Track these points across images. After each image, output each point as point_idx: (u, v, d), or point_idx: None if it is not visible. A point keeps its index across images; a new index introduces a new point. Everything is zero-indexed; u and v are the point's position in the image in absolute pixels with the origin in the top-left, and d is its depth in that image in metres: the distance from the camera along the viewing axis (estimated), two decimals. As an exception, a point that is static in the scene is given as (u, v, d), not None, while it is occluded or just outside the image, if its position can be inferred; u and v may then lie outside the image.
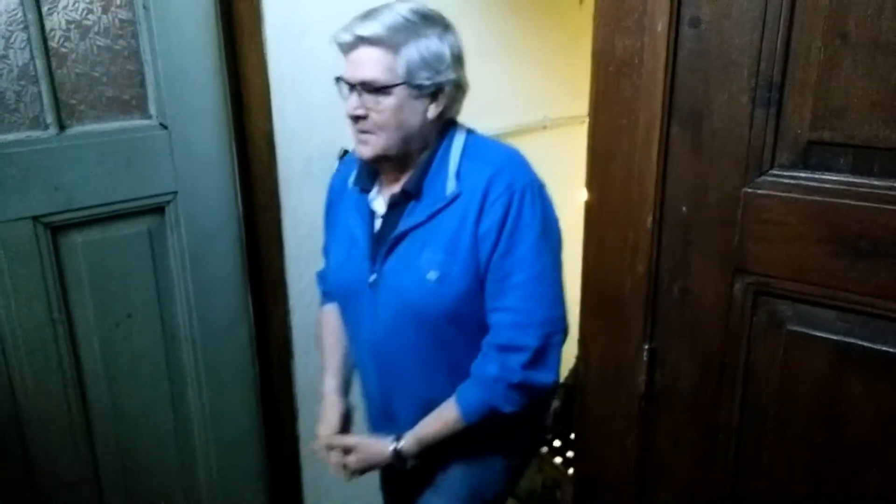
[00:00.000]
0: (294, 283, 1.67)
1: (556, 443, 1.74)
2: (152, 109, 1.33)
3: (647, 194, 0.93)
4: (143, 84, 1.31)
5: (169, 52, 1.31)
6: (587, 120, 0.98)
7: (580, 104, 2.61)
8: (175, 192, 1.37)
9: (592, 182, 0.99)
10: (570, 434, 1.77)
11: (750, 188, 0.86)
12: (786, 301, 0.87)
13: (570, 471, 1.60)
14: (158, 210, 1.37)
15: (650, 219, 0.94)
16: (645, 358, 0.99)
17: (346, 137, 1.74)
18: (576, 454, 1.11)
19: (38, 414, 1.28)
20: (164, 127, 1.33)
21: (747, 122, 0.85)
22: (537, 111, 2.50)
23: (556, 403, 1.83)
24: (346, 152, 1.73)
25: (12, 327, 1.21)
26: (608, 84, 0.93)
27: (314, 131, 1.65)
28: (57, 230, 1.24)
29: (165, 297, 1.41)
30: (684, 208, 0.92)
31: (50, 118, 1.21)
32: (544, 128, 2.52)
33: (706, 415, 0.97)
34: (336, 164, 1.73)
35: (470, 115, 2.19)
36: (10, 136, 1.17)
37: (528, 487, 1.75)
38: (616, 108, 0.93)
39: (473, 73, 2.18)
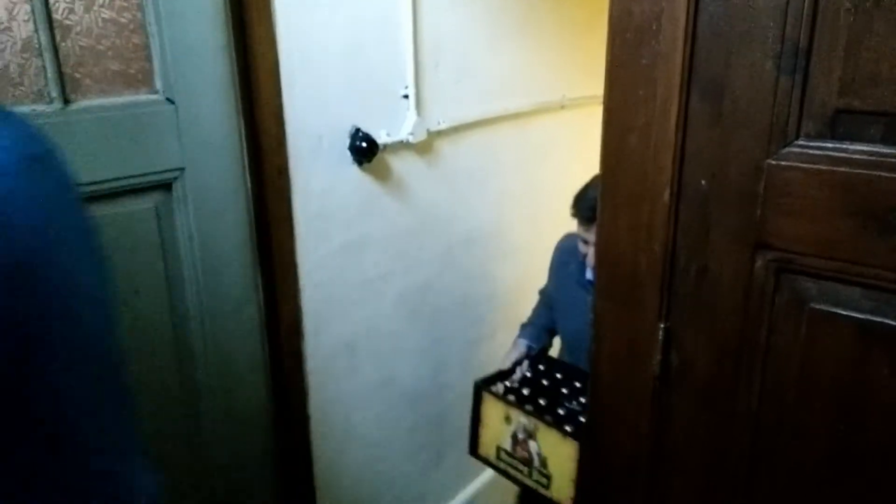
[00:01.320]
0: (304, 262, 1.65)
1: (525, 391, 1.71)
2: (158, 84, 1.30)
3: (664, 168, 0.90)
4: (149, 58, 1.29)
5: (175, 25, 1.28)
6: (602, 123, 0.95)
7: (598, 84, 2.56)
8: (182, 169, 1.35)
9: (607, 156, 0.95)
10: (541, 380, 1.77)
11: (773, 160, 0.82)
12: (809, 278, 0.83)
13: (547, 418, 1.58)
14: (165, 186, 1.35)
15: (667, 193, 0.90)
16: (660, 338, 0.96)
17: (359, 113, 1.72)
18: (586, 437, 1.08)
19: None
20: (171, 102, 1.31)
21: (771, 90, 0.81)
22: (555, 91, 2.45)
23: (525, 366, 1.85)
24: (357, 131, 1.70)
25: (19, 303, 1.20)
26: (625, 52, 0.89)
27: (325, 107, 1.63)
28: (63, 206, 1.22)
29: (173, 275, 1.39)
30: (703, 182, 0.88)
31: (55, 92, 1.19)
32: (562, 108, 2.48)
33: (723, 397, 0.94)
34: (347, 141, 1.70)
35: (487, 96, 2.16)
36: (15, 110, 1.15)
37: (495, 440, 1.71)
38: (633, 78, 0.89)
39: (490, 53, 2.15)
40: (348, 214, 1.76)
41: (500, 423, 1.68)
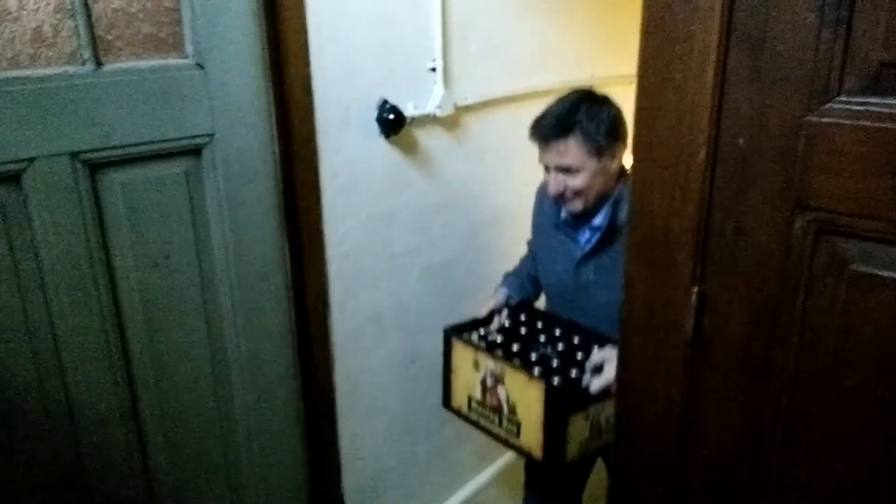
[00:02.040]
0: (331, 232, 1.66)
1: (499, 338, 1.66)
2: (189, 48, 1.30)
3: (700, 126, 0.87)
4: (179, 22, 1.29)
5: (205, -10, 1.29)
6: (636, 80, 0.93)
7: (629, 64, 2.52)
8: (212, 135, 1.35)
9: (641, 116, 0.93)
10: (519, 329, 1.72)
11: (815, 116, 0.80)
12: (850, 239, 0.81)
13: (514, 361, 1.53)
14: (195, 152, 1.35)
15: (703, 153, 0.88)
16: (693, 302, 0.94)
17: (386, 84, 1.71)
18: (616, 405, 1.07)
19: (79, 351, 1.29)
20: (201, 67, 1.31)
21: (813, 43, 0.78)
22: (584, 69, 2.42)
23: (504, 315, 1.78)
24: (385, 102, 1.70)
25: (52, 263, 1.22)
26: (660, 7, 0.87)
27: (353, 77, 1.62)
28: (95, 168, 1.24)
29: (202, 240, 1.40)
30: (741, 140, 0.86)
31: (87, 54, 1.19)
32: (591, 87, 2.44)
33: (758, 364, 0.92)
34: (375, 112, 1.70)
35: (515, 71, 2.13)
36: (48, 71, 1.16)
37: (466, 389, 1.66)
38: (669, 32, 0.87)
39: (519, 28, 2.12)
40: (375, 187, 1.76)
41: (470, 371, 1.61)
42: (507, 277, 1.92)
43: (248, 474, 1.60)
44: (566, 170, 1.58)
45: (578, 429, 1.50)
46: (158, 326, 1.39)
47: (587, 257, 1.65)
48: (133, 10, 1.24)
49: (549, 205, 1.72)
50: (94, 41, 1.20)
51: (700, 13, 0.84)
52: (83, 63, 1.20)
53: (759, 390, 0.92)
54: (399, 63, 1.74)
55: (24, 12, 1.12)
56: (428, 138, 1.88)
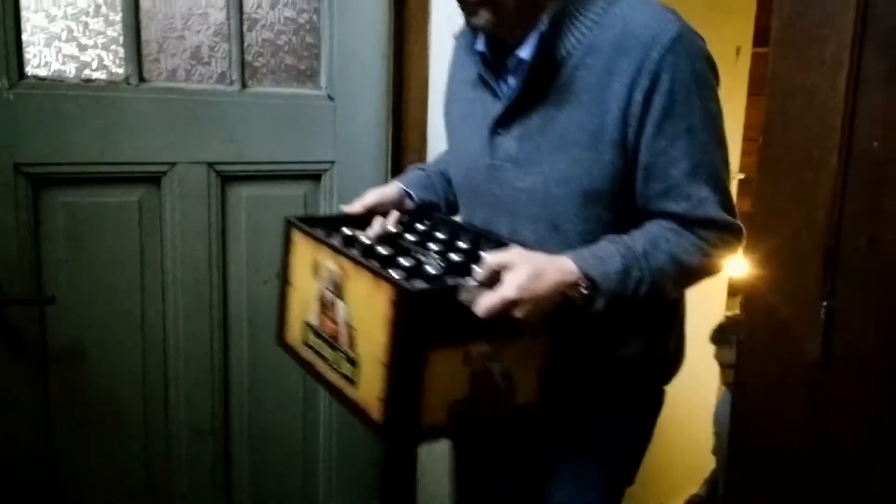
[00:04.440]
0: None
1: (379, 248, 0.98)
2: (323, 81, 1.42)
3: (832, 129, 0.86)
4: (318, 57, 1.41)
5: (344, 31, 1.41)
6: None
7: (731, 159, 2.53)
8: (333, 162, 1.44)
9: (769, 122, 0.93)
10: (411, 237, 1.08)
11: (958, 115, 0.78)
12: None
13: (368, 261, 0.92)
14: (316, 177, 1.44)
15: (835, 158, 0.87)
16: (822, 318, 0.89)
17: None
18: (732, 432, 1.00)
19: (185, 354, 1.33)
20: (332, 99, 1.42)
21: (956, 42, 0.78)
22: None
23: (393, 218, 1.11)
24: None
25: (174, 262, 1.29)
26: (792, 13, 0.89)
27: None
28: (227, 179, 1.33)
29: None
30: (876, 144, 0.84)
31: (235, 75, 1.31)
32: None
33: (894, 388, 0.85)
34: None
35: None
36: (200, 87, 1.29)
37: (302, 312, 1.05)
38: (800, 35, 0.88)
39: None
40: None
41: (308, 281, 1.02)
42: (410, 171, 1.27)
43: (324, 499, 1.56)
44: None
45: (446, 377, 0.89)
46: (259, 345, 1.42)
47: (509, 116, 1.03)
48: (280, 42, 1.36)
49: (465, 50, 1.15)
50: (242, 64, 1.32)
51: (832, 16, 0.85)
52: (231, 83, 1.32)
53: (894, 419, 0.85)
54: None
55: (188, 32, 1.26)
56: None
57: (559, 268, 0.89)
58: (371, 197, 1.11)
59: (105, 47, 1.22)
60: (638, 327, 1.04)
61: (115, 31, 1.21)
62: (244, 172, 1.34)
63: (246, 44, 1.32)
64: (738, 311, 1.79)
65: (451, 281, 0.90)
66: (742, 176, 2.57)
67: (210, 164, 1.30)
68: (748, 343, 0.97)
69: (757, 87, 2.51)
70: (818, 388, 0.91)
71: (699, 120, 0.93)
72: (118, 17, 1.21)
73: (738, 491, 1.00)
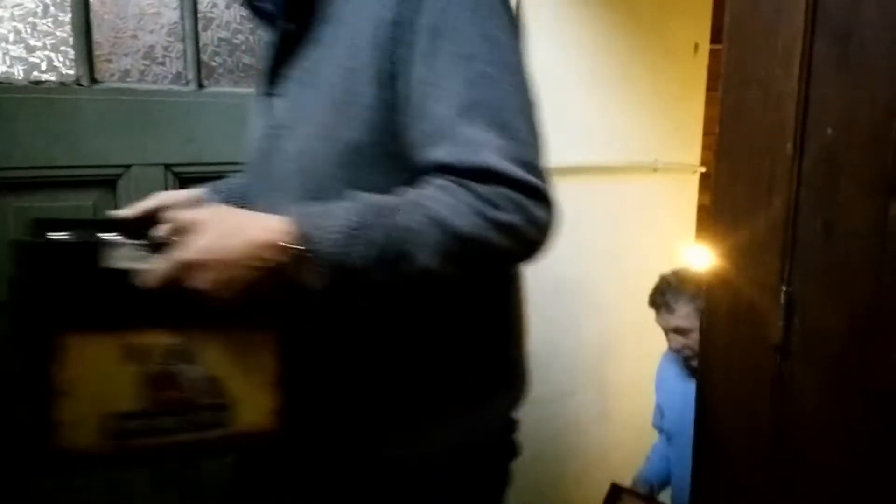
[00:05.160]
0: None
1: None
2: (282, 80, 1.40)
3: (786, 119, 0.88)
4: (276, 56, 1.39)
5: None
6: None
7: (692, 154, 2.57)
8: (294, 163, 1.42)
9: (725, 112, 0.94)
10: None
11: (907, 100, 0.80)
12: (952, 222, 0.78)
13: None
14: (277, 177, 1.41)
15: (789, 145, 0.88)
16: (782, 302, 0.91)
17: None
18: (697, 419, 1.01)
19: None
20: (291, 98, 1.40)
21: (903, 29, 0.80)
22: (648, 152, 2.47)
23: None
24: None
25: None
26: (746, 2, 0.90)
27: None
28: (185, 181, 1.30)
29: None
30: (830, 130, 0.86)
31: (191, 75, 1.29)
32: (655, 170, 2.48)
33: (856, 369, 0.86)
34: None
35: (577, 143, 2.19)
36: (154, 87, 1.26)
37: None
38: (752, 29, 0.90)
39: (585, 101, 2.20)
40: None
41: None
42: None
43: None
44: None
45: (98, 377, 0.67)
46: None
47: (279, 66, 0.85)
48: (237, 41, 1.34)
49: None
50: (198, 64, 1.29)
51: (785, 6, 0.87)
52: (186, 83, 1.29)
53: (857, 399, 0.86)
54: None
55: (141, 31, 1.23)
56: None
57: (262, 224, 0.65)
58: (154, 200, 0.90)
59: (55, 48, 1.18)
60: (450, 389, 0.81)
61: (65, 32, 1.18)
62: (203, 173, 1.32)
63: (202, 43, 1.30)
64: (674, 270, 1.78)
65: (106, 238, 0.67)
66: (703, 170, 2.61)
67: (167, 166, 1.27)
68: (710, 330, 0.98)
69: (715, 82, 2.55)
70: (780, 373, 0.92)
71: (480, 47, 0.73)
72: (67, 18, 1.18)
73: (703, 473, 1.01)
